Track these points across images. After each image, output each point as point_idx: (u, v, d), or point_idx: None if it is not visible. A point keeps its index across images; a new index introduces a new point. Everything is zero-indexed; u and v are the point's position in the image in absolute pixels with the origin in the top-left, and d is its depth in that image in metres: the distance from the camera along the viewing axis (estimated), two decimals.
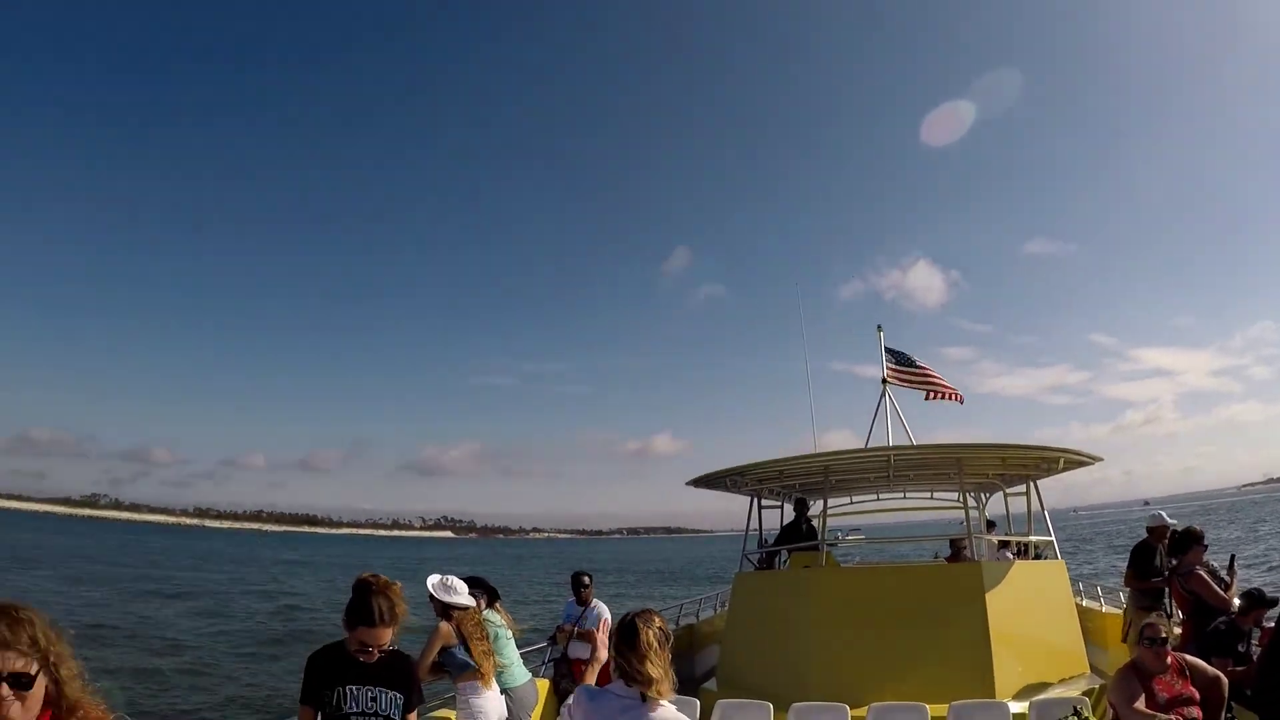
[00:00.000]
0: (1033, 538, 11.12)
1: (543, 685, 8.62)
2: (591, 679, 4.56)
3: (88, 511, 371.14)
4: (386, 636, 3.90)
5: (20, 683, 2.14)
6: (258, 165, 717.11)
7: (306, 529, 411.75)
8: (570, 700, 3.67)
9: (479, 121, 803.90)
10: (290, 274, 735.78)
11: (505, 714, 6.63)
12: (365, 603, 3.87)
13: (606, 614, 9.41)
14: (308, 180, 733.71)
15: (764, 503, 12.82)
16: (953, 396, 13.80)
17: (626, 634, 3.32)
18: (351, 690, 3.94)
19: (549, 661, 10.01)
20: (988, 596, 8.97)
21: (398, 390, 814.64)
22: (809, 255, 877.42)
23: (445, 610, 6.50)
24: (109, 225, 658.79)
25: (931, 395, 13.74)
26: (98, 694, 2.40)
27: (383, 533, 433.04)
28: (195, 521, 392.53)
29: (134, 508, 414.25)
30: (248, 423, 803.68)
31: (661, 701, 3.23)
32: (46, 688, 2.24)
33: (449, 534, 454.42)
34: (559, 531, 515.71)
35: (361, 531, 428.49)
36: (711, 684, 10.41)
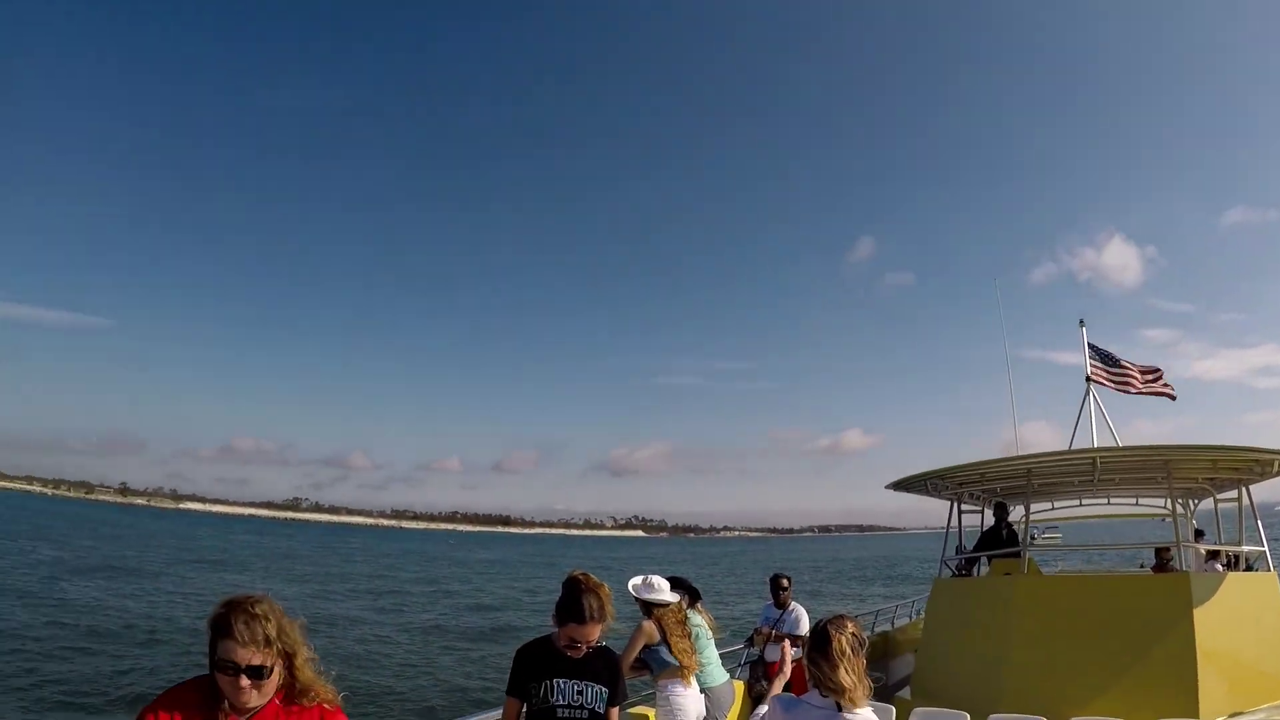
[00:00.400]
0: (1245, 548, 10.33)
1: (739, 686, 8.62)
2: (779, 688, 4.72)
3: (290, 514, 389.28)
4: (595, 633, 3.98)
5: (257, 673, 2.46)
6: (450, 174, 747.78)
7: (500, 529, 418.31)
8: (761, 710, 3.74)
9: (652, 128, 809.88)
10: (479, 285, 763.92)
11: (704, 713, 6.63)
12: (576, 600, 3.97)
13: (804, 622, 9.44)
14: (499, 184, 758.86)
15: (963, 507, 12.50)
16: (1163, 393, 13.23)
17: (818, 641, 3.30)
18: (559, 684, 4.01)
19: (745, 664, 9.98)
20: (1195, 611, 8.49)
21: (588, 393, 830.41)
22: (998, 237, 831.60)
23: (648, 608, 6.58)
24: (301, 245, 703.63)
25: (1139, 391, 13.20)
26: (326, 677, 2.72)
27: (575, 532, 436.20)
28: (392, 523, 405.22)
29: (334, 510, 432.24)
30: (443, 430, 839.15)
31: (856, 710, 3.20)
32: (280, 673, 2.56)
33: (640, 533, 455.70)
34: (749, 530, 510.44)
35: (554, 531, 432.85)
36: (906, 692, 10.33)
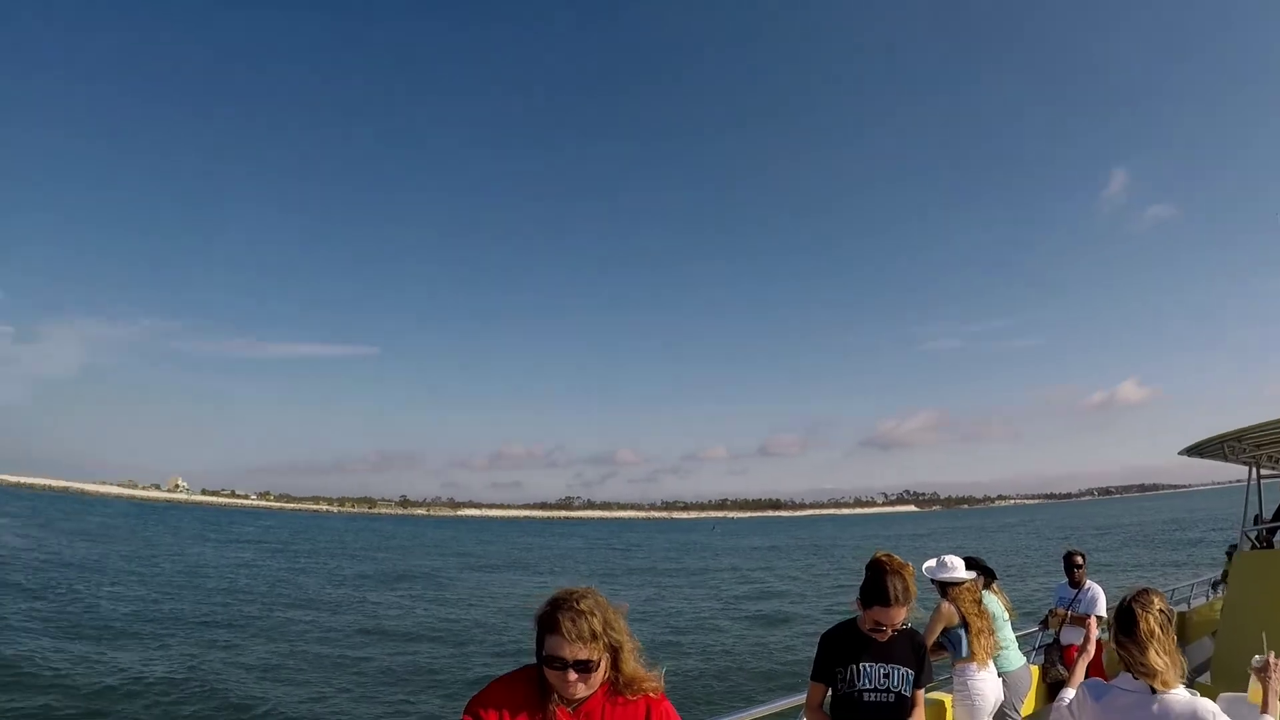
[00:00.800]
0: None
1: (1034, 671, 8.15)
2: (1081, 673, 4.56)
3: (564, 513, 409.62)
4: (901, 616, 3.92)
5: (584, 668, 2.49)
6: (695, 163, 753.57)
7: (770, 513, 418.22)
8: (1068, 696, 3.59)
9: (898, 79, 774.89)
10: (725, 266, 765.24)
11: (1001, 698, 6.40)
12: (880, 583, 3.90)
13: (1102, 602, 8.78)
14: (737, 157, 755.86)
15: (1263, 471, 11.50)
16: None
17: (1124, 621, 3.09)
18: (865, 667, 4.00)
19: (1039, 647, 9.45)
20: None
21: (849, 369, 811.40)
22: (1265, 154, 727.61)
23: (943, 589, 6.43)
24: (552, 240, 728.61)
25: None
26: (652, 666, 2.72)
27: (846, 511, 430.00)
28: (663, 514, 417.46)
29: (605, 506, 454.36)
30: (707, 419, 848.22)
31: (1172, 691, 2.98)
32: (607, 665, 2.60)
33: (913, 508, 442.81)
34: (1025, 497, 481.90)
35: (825, 511, 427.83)
36: (1206, 678, 9.56)
